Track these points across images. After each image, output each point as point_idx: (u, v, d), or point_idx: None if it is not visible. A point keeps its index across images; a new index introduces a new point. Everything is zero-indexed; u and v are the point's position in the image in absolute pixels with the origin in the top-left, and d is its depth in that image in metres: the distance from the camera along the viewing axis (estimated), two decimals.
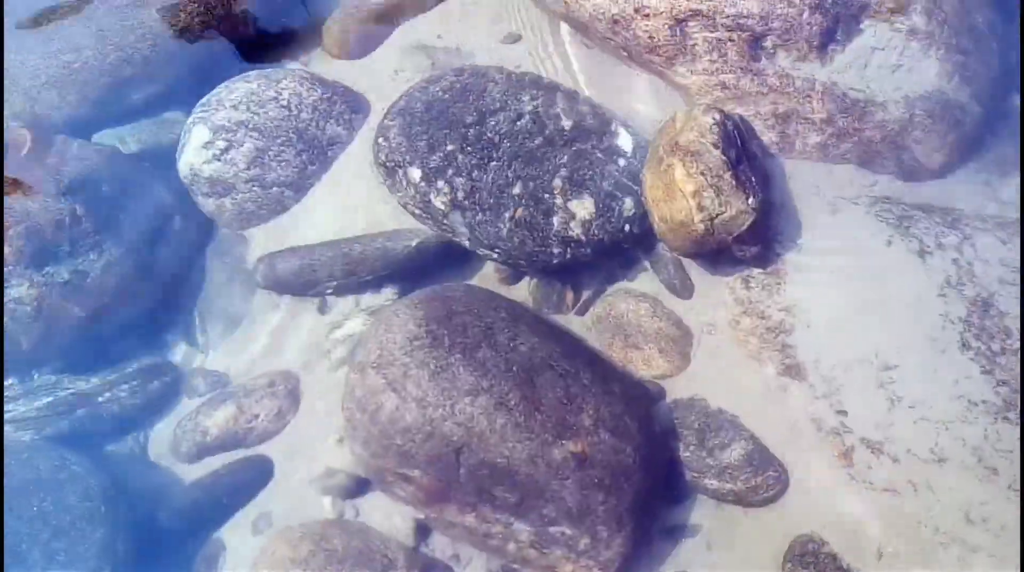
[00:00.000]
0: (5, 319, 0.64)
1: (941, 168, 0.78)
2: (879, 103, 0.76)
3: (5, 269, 0.64)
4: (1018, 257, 0.71)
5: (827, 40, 0.77)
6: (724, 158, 0.65)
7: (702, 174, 0.64)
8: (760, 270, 0.70)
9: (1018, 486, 0.61)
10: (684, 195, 0.64)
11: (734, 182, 0.64)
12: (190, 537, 0.62)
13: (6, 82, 0.77)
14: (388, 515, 0.62)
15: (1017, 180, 0.78)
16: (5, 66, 0.78)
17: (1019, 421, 0.63)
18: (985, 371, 0.65)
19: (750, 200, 0.64)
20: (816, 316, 0.67)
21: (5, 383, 0.65)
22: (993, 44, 0.83)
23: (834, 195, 0.75)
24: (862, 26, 0.78)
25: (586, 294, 0.74)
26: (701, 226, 0.64)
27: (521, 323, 0.65)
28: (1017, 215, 0.76)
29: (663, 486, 0.65)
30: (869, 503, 0.62)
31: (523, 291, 0.73)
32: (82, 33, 0.77)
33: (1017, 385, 0.64)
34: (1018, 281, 0.69)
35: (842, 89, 0.76)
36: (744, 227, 0.65)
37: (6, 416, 0.62)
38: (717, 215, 0.64)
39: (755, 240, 0.67)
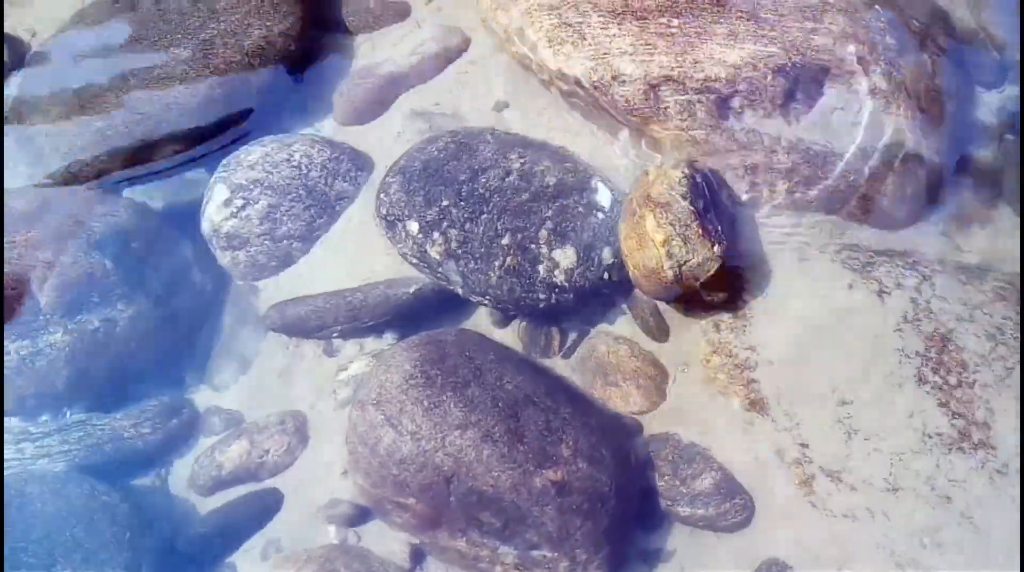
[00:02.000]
0: (43, 362, 0.71)
1: (905, 218, 0.83)
2: (840, 155, 0.82)
3: (43, 317, 0.71)
4: (977, 297, 0.75)
5: (790, 99, 0.83)
6: (692, 209, 0.71)
7: (671, 224, 0.70)
8: (728, 314, 0.76)
9: (970, 513, 0.65)
10: (655, 244, 0.69)
11: (700, 231, 0.70)
12: (205, 563, 0.68)
13: (46, 145, 0.86)
14: (387, 541, 0.67)
15: (976, 231, 0.83)
16: (46, 134, 0.86)
17: (975, 452, 0.67)
18: (941, 404, 0.70)
19: (715, 248, 0.70)
20: (778, 354, 0.73)
21: (40, 419, 0.72)
22: (951, 103, 0.89)
23: (801, 243, 0.81)
24: (823, 87, 0.85)
25: (572, 336, 0.80)
26: (670, 273, 0.69)
27: (508, 363, 0.72)
28: (977, 261, 0.81)
29: (640, 514, 0.70)
30: (829, 528, 0.66)
31: (512, 334, 0.79)
32: (114, 104, 0.86)
33: (973, 417, 0.69)
34: (975, 317, 0.74)
35: (807, 143, 0.83)
36: (710, 273, 0.70)
37: (41, 449, 0.68)
38: (685, 262, 0.69)
39: (722, 285, 0.73)
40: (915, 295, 0.76)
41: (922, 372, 0.72)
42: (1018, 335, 0.73)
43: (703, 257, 0.69)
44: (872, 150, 0.82)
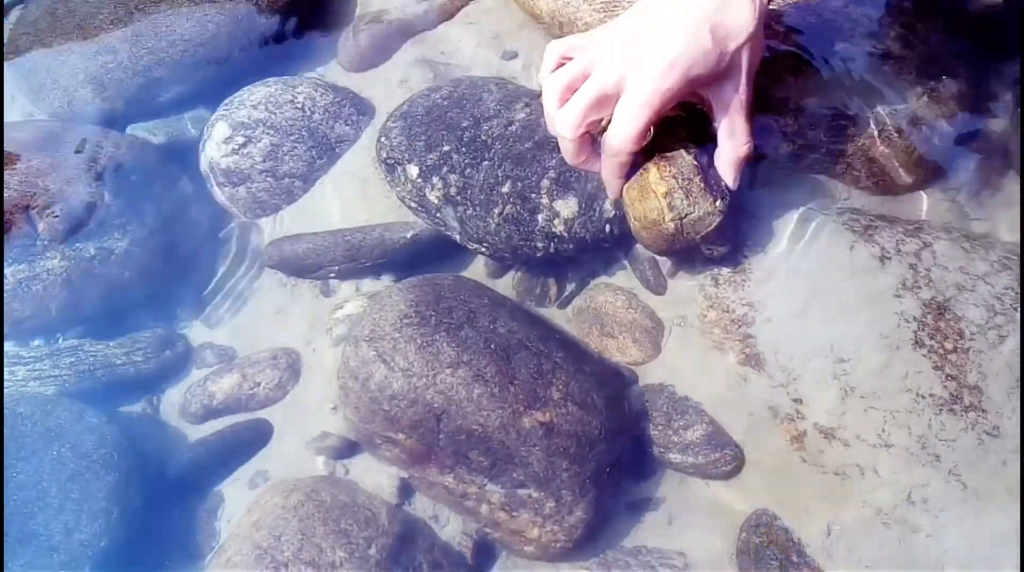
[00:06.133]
0: (39, 286, 0.71)
1: (911, 184, 0.83)
2: (849, 117, 0.81)
3: (40, 242, 0.71)
4: (980, 267, 0.75)
5: (801, 62, 0.82)
6: (695, 163, 0.70)
7: (674, 177, 0.69)
8: (728, 270, 0.76)
9: (958, 472, 0.65)
10: (656, 196, 0.69)
11: (703, 185, 0.69)
12: (193, 489, 0.68)
13: (47, 79, 0.85)
14: (374, 475, 0.68)
15: (986, 200, 0.82)
16: (47, 66, 0.86)
17: (966, 414, 0.67)
18: (936, 367, 0.70)
19: (717, 203, 0.69)
20: (777, 311, 0.72)
21: (33, 343, 0.72)
22: (964, 70, 0.88)
23: (805, 205, 0.80)
24: (836, 49, 0.84)
25: (568, 288, 0.79)
26: (671, 225, 0.69)
27: (502, 309, 0.71)
28: (984, 230, 0.80)
29: (631, 462, 0.70)
30: (820, 483, 0.66)
31: (508, 284, 0.79)
32: (119, 38, 0.85)
33: (965, 380, 0.69)
34: (976, 287, 0.74)
35: (814, 107, 0.82)
36: (711, 227, 0.69)
37: (33, 372, 0.68)
38: (686, 215, 0.69)
39: (722, 240, 0.72)
40: (914, 261, 0.76)
41: (919, 336, 0.71)
42: (1018, 305, 0.73)
43: (704, 210, 0.69)
44: (881, 116, 0.81)
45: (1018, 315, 0.71)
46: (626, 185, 0.72)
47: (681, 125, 0.72)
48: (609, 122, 0.67)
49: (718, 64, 0.63)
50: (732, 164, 0.69)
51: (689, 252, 0.73)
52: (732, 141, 0.68)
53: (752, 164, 0.73)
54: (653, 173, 0.70)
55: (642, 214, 0.71)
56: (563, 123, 0.66)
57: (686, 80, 0.63)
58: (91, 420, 0.65)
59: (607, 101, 0.65)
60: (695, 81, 0.64)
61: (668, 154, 0.70)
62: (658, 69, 0.62)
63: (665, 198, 0.69)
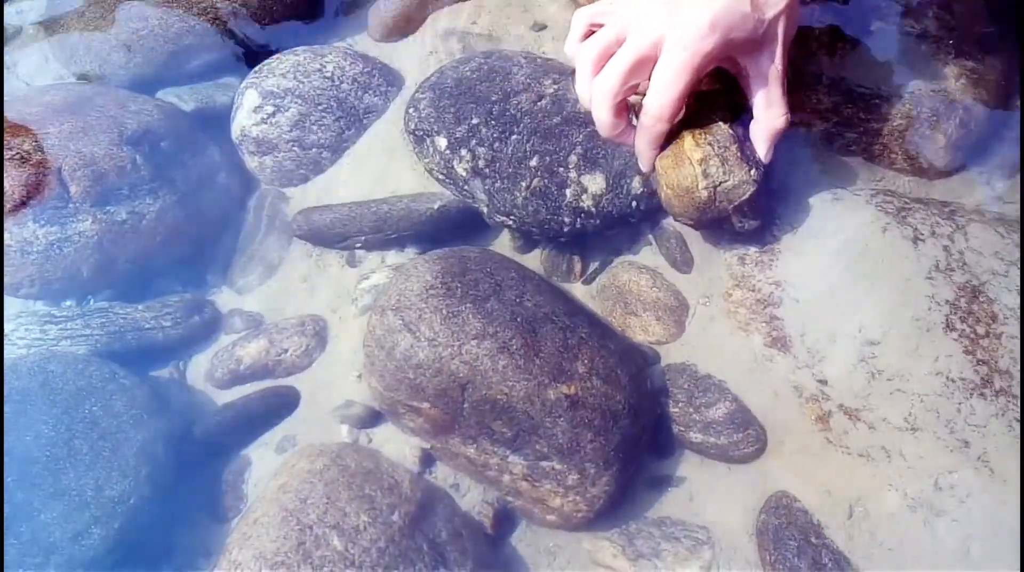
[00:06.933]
0: (70, 248, 0.71)
1: (945, 166, 0.81)
2: (884, 97, 0.80)
3: (72, 205, 0.72)
4: (1015, 252, 0.74)
5: (836, 40, 0.81)
6: (731, 133, 0.69)
7: (709, 144, 0.68)
8: (756, 248, 0.75)
9: (987, 458, 0.64)
10: (691, 162, 0.67)
11: (739, 154, 0.67)
12: (221, 452, 0.69)
13: (80, 44, 0.86)
14: (398, 444, 0.68)
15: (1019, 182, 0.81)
16: (80, 32, 0.86)
17: (996, 399, 0.66)
18: (967, 351, 0.69)
19: (752, 172, 0.67)
20: (805, 291, 0.72)
21: (64, 304, 0.73)
22: (1001, 52, 0.86)
23: (837, 185, 0.79)
24: (872, 28, 0.83)
25: (593, 265, 0.79)
26: (704, 193, 0.67)
27: (528, 283, 0.71)
28: (1017, 215, 0.79)
29: (652, 440, 0.70)
30: (843, 465, 0.66)
31: (535, 260, 0.79)
32: (150, 4, 0.86)
33: (996, 365, 0.68)
34: (1010, 273, 0.73)
35: (849, 84, 0.80)
36: (745, 197, 0.68)
37: (64, 331, 0.69)
38: (720, 183, 0.67)
39: (754, 213, 0.71)
40: (948, 244, 0.74)
41: (950, 320, 0.70)
42: None
43: (739, 179, 0.67)
44: (918, 96, 0.80)
45: None
46: (659, 155, 0.71)
47: (715, 98, 0.71)
48: (646, 89, 0.66)
49: (755, 30, 0.62)
50: (768, 136, 0.68)
51: (719, 224, 0.72)
52: (769, 112, 0.67)
53: (784, 141, 0.72)
54: (688, 140, 0.69)
55: (675, 182, 0.69)
56: (600, 90, 0.65)
57: (726, 42, 0.61)
58: (122, 381, 0.66)
59: (645, 65, 0.64)
60: (734, 45, 0.62)
61: (703, 125, 0.69)
62: (699, 30, 0.60)
63: (700, 165, 0.67)
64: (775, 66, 0.65)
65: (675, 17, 0.61)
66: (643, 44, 0.62)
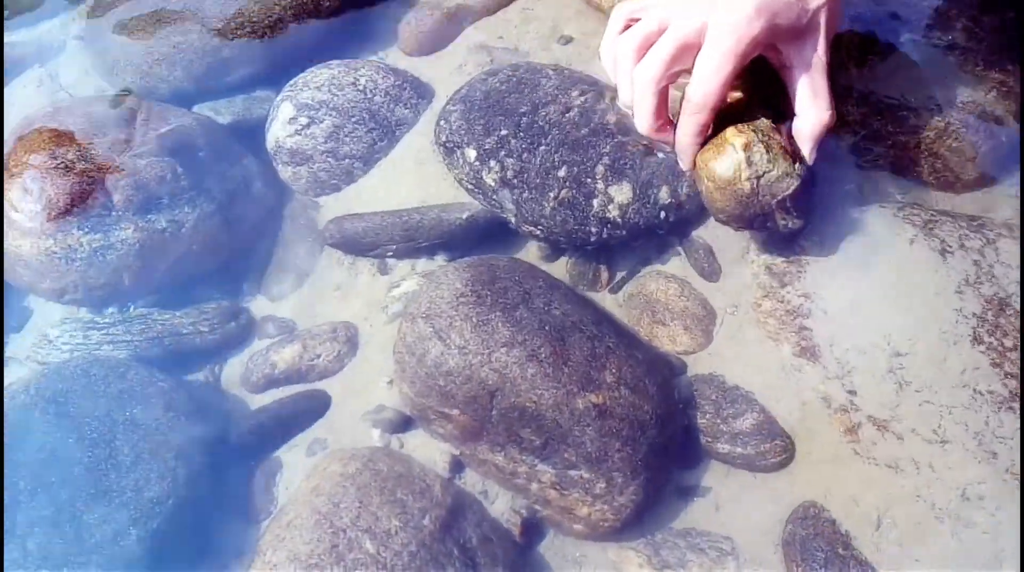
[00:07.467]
0: (113, 255, 0.74)
1: (975, 179, 0.81)
2: (913, 109, 0.80)
3: (115, 213, 0.74)
4: None
5: (865, 52, 0.81)
6: (774, 125, 0.67)
7: (753, 131, 0.66)
8: (783, 258, 0.75)
9: (1016, 470, 0.64)
10: (735, 149, 0.65)
11: (783, 143, 0.66)
12: (253, 455, 0.70)
13: (121, 58, 0.88)
14: (428, 449, 0.69)
15: None
16: (121, 45, 0.89)
17: (1021, 413, 0.66)
18: (994, 364, 0.68)
19: (797, 166, 0.66)
20: (833, 303, 0.72)
21: (107, 310, 0.75)
22: None
23: (865, 197, 0.79)
24: (901, 40, 0.83)
25: (620, 274, 0.80)
26: (747, 184, 0.66)
27: (556, 292, 0.72)
28: None
29: (679, 450, 0.70)
30: (871, 476, 0.66)
31: (561, 269, 0.80)
32: (190, 20, 0.88)
33: None
34: None
35: (878, 96, 0.81)
36: (789, 191, 0.66)
37: (107, 336, 0.72)
38: (764, 173, 0.65)
39: (798, 211, 0.68)
40: (978, 258, 0.74)
41: (978, 333, 0.70)
42: None
43: (783, 170, 0.65)
44: (946, 108, 0.80)
45: None
46: (699, 151, 0.70)
47: (751, 100, 0.71)
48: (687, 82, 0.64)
49: (799, 19, 0.61)
50: (813, 133, 0.66)
51: (762, 223, 0.69)
52: (815, 105, 0.65)
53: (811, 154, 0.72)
54: (731, 130, 0.67)
55: (716, 173, 0.67)
56: (643, 78, 0.64)
57: (771, 27, 0.60)
58: (161, 384, 0.68)
59: (689, 51, 0.62)
60: (779, 31, 0.61)
61: (745, 119, 0.67)
62: (745, 15, 0.59)
63: (744, 150, 0.65)
64: (819, 55, 0.64)
65: (719, 3, 0.60)
66: (687, 30, 0.62)
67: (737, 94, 0.72)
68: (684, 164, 0.70)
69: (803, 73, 0.64)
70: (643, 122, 0.68)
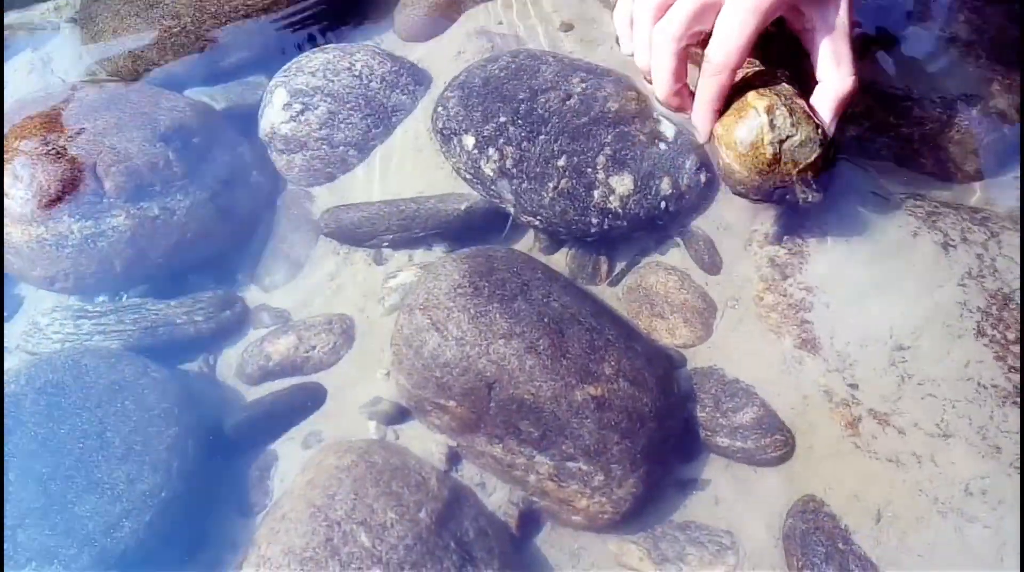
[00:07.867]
0: (104, 243, 0.72)
1: (977, 171, 0.80)
2: (916, 101, 0.79)
3: (106, 200, 0.73)
4: None
5: (869, 43, 0.80)
6: (795, 89, 0.65)
7: (776, 95, 0.64)
8: (785, 251, 0.74)
9: (1018, 464, 0.63)
10: (757, 112, 0.63)
11: (806, 107, 0.64)
12: (248, 447, 0.69)
13: (114, 41, 0.87)
14: (424, 441, 0.68)
15: None
16: (114, 30, 0.87)
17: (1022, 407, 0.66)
18: (998, 357, 0.68)
19: (819, 131, 0.64)
20: (835, 295, 0.71)
21: (98, 299, 0.74)
22: None
23: (868, 189, 0.78)
24: (904, 32, 0.82)
25: (619, 266, 0.79)
26: (769, 149, 0.64)
27: (555, 284, 0.71)
28: None
29: (678, 443, 0.69)
30: (872, 470, 0.65)
31: (561, 260, 0.79)
32: (183, 3, 0.87)
33: None
34: None
35: (882, 87, 0.80)
36: (811, 159, 0.64)
37: (98, 326, 0.70)
38: (787, 138, 0.63)
39: (819, 184, 0.66)
40: (981, 251, 0.74)
41: (981, 326, 0.70)
42: None
43: (806, 135, 0.63)
44: (949, 100, 0.79)
45: None
46: (718, 120, 0.67)
47: (776, 63, 0.68)
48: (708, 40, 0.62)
49: None
50: (835, 101, 0.64)
51: (781, 196, 0.67)
52: (838, 71, 0.63)
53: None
54: (752, 94, 0.65)
55: (737, 139, 0.64)
56: (662, 37, 0.62)
57: None
58: (154, 375, 0.67)
59: (709, 11, 0.60)
60: None
61: (766, 84, 0.65)
62: None
63: (767, 113, 0.63)
64: (842, 18, 0.62)
65: None
66: None
67: (754, 67, 0.70)
68: (702, 135, 0.68)
69: (825, 36, 0.62)
70: (661, 86, 0.65)
